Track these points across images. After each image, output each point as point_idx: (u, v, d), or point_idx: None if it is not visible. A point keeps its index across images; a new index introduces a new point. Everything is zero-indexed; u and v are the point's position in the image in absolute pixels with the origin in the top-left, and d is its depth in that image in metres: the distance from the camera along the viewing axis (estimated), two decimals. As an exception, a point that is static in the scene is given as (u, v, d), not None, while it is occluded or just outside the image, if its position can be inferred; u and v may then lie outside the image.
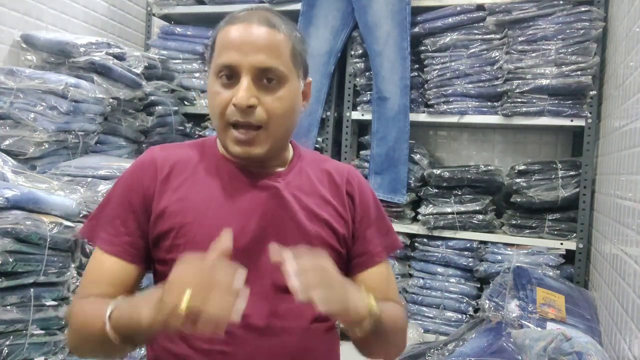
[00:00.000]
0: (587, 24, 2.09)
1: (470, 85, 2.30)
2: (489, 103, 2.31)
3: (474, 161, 2.70)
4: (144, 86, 2.31)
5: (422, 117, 2.41)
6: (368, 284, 0.94)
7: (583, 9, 2.09)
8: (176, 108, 2.59)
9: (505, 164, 2.56)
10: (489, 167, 2.34)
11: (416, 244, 2.39)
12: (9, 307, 1.39)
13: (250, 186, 0.94)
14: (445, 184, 2.33)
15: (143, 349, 1.74)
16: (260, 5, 2.21)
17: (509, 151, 2.66)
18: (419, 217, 2.37)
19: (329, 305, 0.74)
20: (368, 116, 2.46)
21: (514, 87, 2.18)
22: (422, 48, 2.40)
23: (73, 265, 1.56)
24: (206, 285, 0.68)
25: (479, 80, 2.29)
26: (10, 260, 1.37)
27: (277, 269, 0.90)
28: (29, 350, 1.43)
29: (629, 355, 1.29)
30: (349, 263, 1.00)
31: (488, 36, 2.28)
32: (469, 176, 2.31)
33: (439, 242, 2.34)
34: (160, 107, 2.47)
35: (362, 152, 2.54)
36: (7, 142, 1.86)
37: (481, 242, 2.29)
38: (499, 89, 2.25)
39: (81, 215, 1.61)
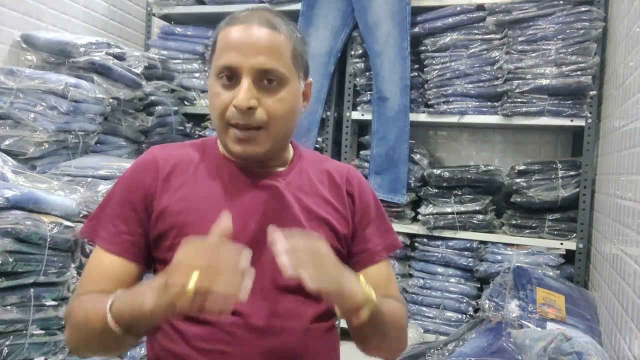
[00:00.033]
0: (587, 24, 2.09)
1: (470, 85, 2.30)
2: (489, 103, 2.31)
3: (474, 161, 2.70)
4: (144, 86, 2.31)
5: (422, 117, 2.41)
6: (368, 282, 0.94)
7: (583, 9, 2.09)
8: (176, 108, 2.59)
9: (505, 164, 2.56)
10: (489, 167, 2.34)
11: (416, 244, 2.39)
12: (9, 307, 1.39)
13: (250, 186, 0.94)
14: (445, 184, 2.33)
15: (143, 349, 1.74)
16: (260, 6, 2.21)
17: (509, 151, 2.66)
18: (419, 217, 2.37)
19: (319, 283, 0.74)
20: (368, 116, 2.46)
21: (514, 87, 2.18)
22: (422, 48, 2.40)
23: (73, 265, 1.56)
24: (213, 264, 0.69)
25: (479, 80, 2.29)
26: (10, 260, 1.37)
27: (277, 268, 0.90)
28: (29, 350, 1.43)
29: (629, 355, 1.29)
30: (349, 262, 1.00)
31: (488, 36, 2.28)
32: (469, 176, 2.31)
33: (439, 242, 2.34)
34: (160, 107, 2.47)
35: (362, 152, 2.54)
36: (7, 142, 1.86)
37: (481, 242, 2.29)
38: (499, 89, 2.25)
39: (81, 215, 1.61)
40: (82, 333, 0.85)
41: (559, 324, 1.66)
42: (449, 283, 2.31)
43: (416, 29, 2.37)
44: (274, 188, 0.95)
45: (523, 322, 1.65)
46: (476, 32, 2.30)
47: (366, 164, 2.46)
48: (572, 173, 2.18)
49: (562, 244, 2.15)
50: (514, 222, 2.24)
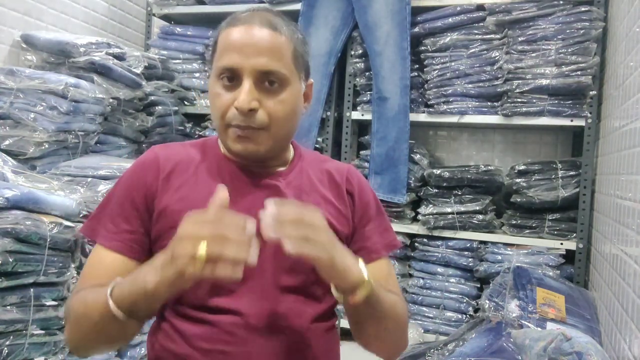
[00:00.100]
0: (587, 24, 2.09)
1: (470, 85, 2.30)
2: (489, 103, 2.31)
3: (474, 161, 2.70)
4: (144, 86, 2.31)
5: (422, 117, 2.41)
6: None
7: (583, 9, 2.10)
8: (176, 108, 2.59)
9: (505, 164, 2.56)
10: (489, 167, 2.34)
11: (416, 244, 2.39)
12: (9, 307, 1.39)
13: (251, 185, 0.94)
14: (445, 184, 2.33)
15: (143, 349, 1.75)
16: (261, 6, 2.21)
17: (509, 151, 2.66)
18: (419, 217, 2.37)
19: (301, 249, 0.73)
20: (368, 116, 2.46)
21: (514, 87, 2.18)
22: (422, 48, 2.40)
23: (73, 265, 1.56)
24: (219, 232, 0.69)
25: (479, 80, 2.29)
26: (10, 260, 1.37)
27: (278, 268, 0.90)
28: (29, 350, 1.43)
29: (629, 355, 1.29)
30: None
31: (488, 36, 2.28)
32: (469, 176, 2.31)
33: (439, 242, 2.34)
34: (160, 107, 2.47)
35: (362, 152, 2.54)
36: (7, 142, 1.86)
37: (481, 242, 2.29)
38: (499, 89, 2.25)
39: (81, 215, 1.61)
40: (82, 327, 0.84)
41: (559, 324, 1.66)
42: (449, 283, 2.31)
43: (416, 29, 2.37)
44: (275, 188, 0.95)
45: (523, 322, 1.65)
46: (476, 32, 2.30)
47: (366, 164, 2.46)
48: (572, 173, 2.18)
49: (562, 244, 2.15)
50: (514, 222, 2.24)
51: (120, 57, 2.21)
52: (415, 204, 2.46)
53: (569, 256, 2.15)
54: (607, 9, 2.10)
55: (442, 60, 2.36)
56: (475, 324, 1.88)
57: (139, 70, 2.27)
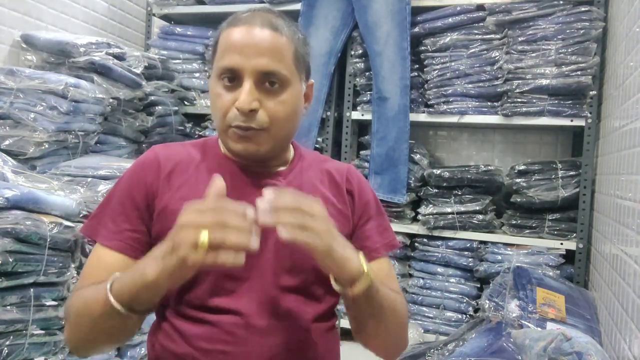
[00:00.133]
0: (587, 24, 2.09)
1: (470, 85, 2.31)
2: (489, 103, 2.31)
3: (474, 161, 2.70)
4: (144, 86, 2.31)
5: (422, 117, 2.41)
6: None
7: (583, 9, 2.10)
8: (176, 108, 2.59)
9: (505, 164, 2.56)
10: (489, 167, 2.34)
11: (416, 244, 2.39)
12: (9, 307, 1.39)
13: (251, 185, 0.94)
14: (445, 184, 2.33)
15: (143, 349, 1.74)
16: (262, 6, 2.21)
17: (509, 151, 2.66)
18: (419, 217, 2.37)
19: (296, 235, 0.73)
20: (368, 116, 2.46)
21: (514, 87, 2.18)
22: (422, 48, 2.40)
23: (73, 265, 1.56)
24: (219, 219, 0.69)
25: (479, 80, 2.29)
26: (10, 260, 1.37)
27: (278, 268, 0.90)
28: (29, 350, 1.43)
29: (629, 355, 1.29)
30: None
31: (488, 36, 2.28)
32: (469, 176, 2.31)
33: (439, 242, 2.34)
34: (160, 107, 2.47)
35: (362, 152, 2.54)
36: (7, 142, 1.86)
37: (481, 242, 2.29)
38: (499, 89, 2.25)
39: (81, 215, 1.61)
40: (82, 325, 0.84)
41: (559, 324, 1.66)
42: (449, 283, 2.31)
43: (416, 29, 2.37)
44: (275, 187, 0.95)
45: (523, 322, 1.65)
46: (476, 32, 2.30)
47: (366, 164, 2.46)
48: (572, 173, 2.18)
49: (562, 244, 2.15)
50: (514, 222, 2.25)
51: (120, 57, 2.21)
52: (415, 204, 2.46)
53: (569, 256, 2.15)
54: (607, 9, 2.10)
55: (442, 60, 2.36)
56: (475, 324, 1.88)
57: (139, 70, 2.27)
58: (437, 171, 2.34)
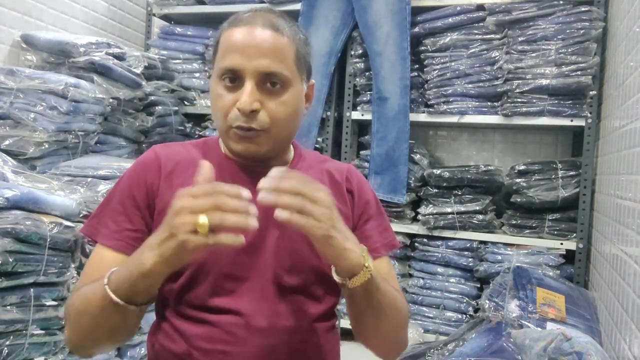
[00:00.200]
0: (587, 24, 2.09)
1: (470, 85, 2.31)
2: (489, 103, 2.31)
3: (474, 161, 2.70)
4: (144, 86, 2.31)
5: (422, 117, 2.41)
6: None
7: (583, 9, 2.10)
8: (176, 108, 2.59)
9: (505, 164, 2.56)
10: (489, 167, 2.34)
11: (416, 244, 2.39)
12: (9, 307, 1.39)
13: (252, 185, 0.93)
14: (445, 184, 2.33)
15: (143, 349, 1.74)
16: (262, 6, 2.20)
17: (509, 151, 2.66)
18: (419, 217, 2.37)
19: (292, 217, 0.73)
20: (368, 116, 2.46)
21: (514, 87, 2.18)
22: (422, 48, 2.40)
23: (73, 265, 1.56)
24: (216, 200, 0.69)
25: (479, 80, 2.29)
26: (10, 260, 1.37)
27: (278, 268, 0.90)
28: (29, 350, 1.43)
29: (629, 355, 1.29)
30: None
31: (488, 36, 2.28)
32: (469, 176, 2.31)
33: (439, 242, 2.34)
34: (160, 107, 2.47)
35: (362, 152, 2.54)
36: (7, 142, 1.86)
37: (481, 242, 2.29)
38: (499, 89, 2.25)
39: (81, 215, 1.61)
40: (82, 323, 0.83)
41: (559, 324, 1.66)
42: (449, 283, 2.31)
43: (416, 29, 2.37)
44: (275, 187, 0.94)
45: (523, 322, 1.65)
46: (476, 32, 2.30)
47: (366, 164, 2.46)
48: (572, 173, 2.18)
49: (562, 244, 2.15)
50: (514, 222, 2.25)
51: (120, 57, 2.21)
52: (415, 204, 2.46)
53: (569, 256, 2.15)
54: (607, 9, 2.10)
55: (442, 60, 2.36)
56: (475, 324, 1.88)
57: (139, 70, 2.27)
58: (437, 171, 2.34)
